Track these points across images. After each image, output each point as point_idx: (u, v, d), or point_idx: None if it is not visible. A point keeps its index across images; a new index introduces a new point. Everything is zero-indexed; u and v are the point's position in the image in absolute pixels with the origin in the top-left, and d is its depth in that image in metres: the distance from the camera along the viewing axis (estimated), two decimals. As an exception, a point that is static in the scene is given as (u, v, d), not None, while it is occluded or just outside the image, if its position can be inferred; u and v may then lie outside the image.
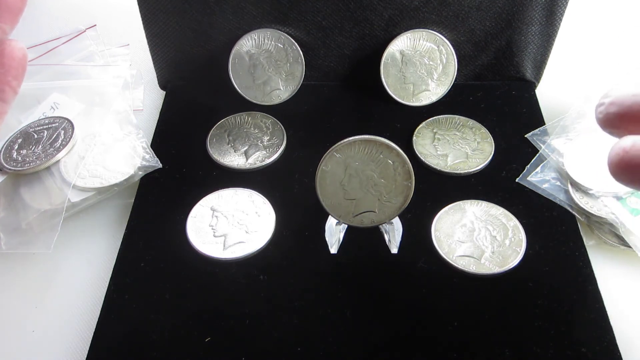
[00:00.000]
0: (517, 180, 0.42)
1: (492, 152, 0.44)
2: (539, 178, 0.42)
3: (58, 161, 0.42)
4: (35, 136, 0.43)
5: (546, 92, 0.50)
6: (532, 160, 0.43)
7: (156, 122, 0.48)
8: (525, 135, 0.45)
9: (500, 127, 0.46)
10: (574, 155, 0.42)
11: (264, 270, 0.37)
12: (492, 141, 0.45)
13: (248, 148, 0.45)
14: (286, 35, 0.47)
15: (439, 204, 0.40)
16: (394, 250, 0.38)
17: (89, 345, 0.34)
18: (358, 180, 0.34)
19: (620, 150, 0.23)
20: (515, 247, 0.38)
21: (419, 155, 0.44)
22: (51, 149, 0.42)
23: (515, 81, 0.50)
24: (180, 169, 0.44)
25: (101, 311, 0.35)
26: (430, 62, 0.48)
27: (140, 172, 0.43)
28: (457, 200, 0.41)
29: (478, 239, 0.38)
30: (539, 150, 0.44)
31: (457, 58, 0.48)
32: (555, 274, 0.37)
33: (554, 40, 0.48)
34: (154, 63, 0.50)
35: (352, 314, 0.35)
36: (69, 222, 0.42)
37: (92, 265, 0.40)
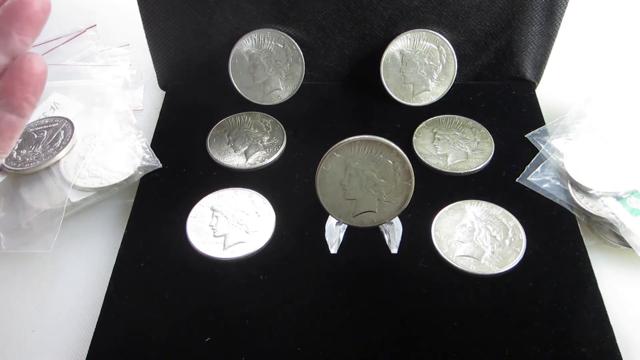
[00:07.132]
0: (517, 180, 0.42)
1: (492, 152, 0.44)
2: (539, 178, 0.42)
3: (58, 161, 0.42)
4: (35, 136, 0.43)
5: (546, 92, 0.50)
6: (532, 160, 0.43)
7: (156, 122, 0.48)
8: (525, 135, 0.45)
9: (500, 127, 0.46)
10: (574, 155, 0.42)
11: (264, 270, 0.37)
12: (492, 141, 0.45)
13: (248, 148, 0.45)
14: (286, 35, 0.47)
15: (439, 204, 0.40)
16: (394, 250, 0.38)
17: (89, 345, 0.34)
18: (358, 180, 0.34)
19: None
20: (515, 247, 0.38)
21: (419, 155, 0.44)
22: (51, 149, 0.42)
23: (515, 81, 0.50)
24: (180, 169, 0.44)
25: (101, 311, 0.35)
26: (430, 62, 0.48)
27: (140, 172, 0.43)
28: (457, 200, 0.41)
29: (478, 239, 0.38)
30: (539, 150, 0.44)
31: (457, 58, 0.48)
32: (555, 274, 0.37)
33: (554, 40, 0.48)
34: (154, 63, 0.50)
35: (352, 314, 0.35)
36: (69, 222, 0.42)
37: (92, 266, 0.40)
